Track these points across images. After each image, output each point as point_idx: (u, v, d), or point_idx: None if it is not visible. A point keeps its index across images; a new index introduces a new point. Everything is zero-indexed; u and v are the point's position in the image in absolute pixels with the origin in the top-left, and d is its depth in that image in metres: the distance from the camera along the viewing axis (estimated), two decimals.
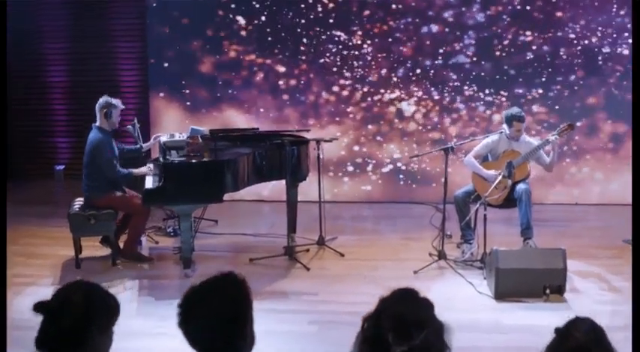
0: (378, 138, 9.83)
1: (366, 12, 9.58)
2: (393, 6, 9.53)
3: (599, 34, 9.32)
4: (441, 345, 2.65)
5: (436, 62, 9.60)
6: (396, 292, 2.79)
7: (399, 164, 9.85)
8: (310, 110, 9.84)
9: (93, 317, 2.66)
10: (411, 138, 9.77)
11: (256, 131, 8.05)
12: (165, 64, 9.90)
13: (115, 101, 7.39)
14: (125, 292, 6.71)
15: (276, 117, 9.85)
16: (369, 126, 9.81)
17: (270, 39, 9.72)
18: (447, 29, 9.54)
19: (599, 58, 9.37)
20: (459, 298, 6.49)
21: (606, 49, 9.33)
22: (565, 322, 2.85)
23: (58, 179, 11.00)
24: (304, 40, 9.69)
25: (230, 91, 9.86)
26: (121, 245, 7.63)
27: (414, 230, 8.52)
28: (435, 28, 9.56)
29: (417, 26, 9.57)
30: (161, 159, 7.35)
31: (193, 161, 7.12)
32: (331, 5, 9.58)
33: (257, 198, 9.68)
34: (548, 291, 6.36)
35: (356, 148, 9.87)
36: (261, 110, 9.87)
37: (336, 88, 9.78)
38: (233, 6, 9.68)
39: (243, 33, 9.75)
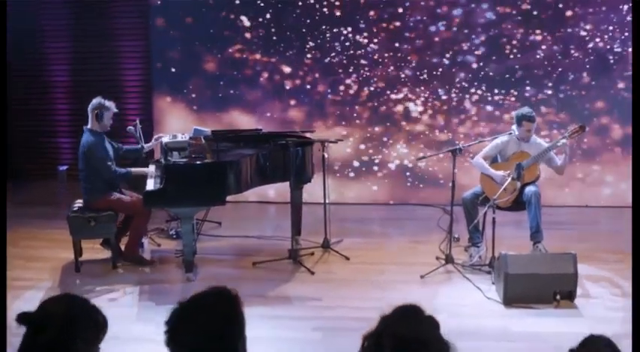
0: (385, 138, 9.68)
1: (372, 12, 9.42)
2: (401, 4, 9.37)
3: (610, 34, 9.15)
4: None
5: (444, 61, 9.44)
6: (399, 309, 2.63)
7: (405, 165, 9.69)
8: (316, 110, 9.70)
9: (76, 332, 2.53)
10: (418, 139, 9.62)
11: (259, 132, 7.91)
12: (168, 64, 9.76)
13: (109, 103, 7.25)
14: (125, 296, 6.60)
15: (281, 117, 9.71)
16: (376, 127, 9.67)
17: (274, 38, 9.58)
18: (455, 28, 9.38)
19: (610, 57, 9.21)
20: (467, 304, 6.35)
21: (617, 49, 9.16)
22: (579, 342, 2.69)
23: (61, 180, 10.88)
24: (310, 39, 9.55)
25: (234, 91, 9.72)
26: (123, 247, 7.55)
27: (421, 232, 8.38)
28: (443, 27, 9.39)
29: (425, 25, 9.41)
30: (162, 160, 7.20)
31: (195, 162, 6.97)
32: (337, 3, 9.43)
33: (262, 200, 9.54)
34: (558, 297, 6.21)
35: (362, 149, 9.71)
36: (266, 110, 9.73)
37: (342, 88, 9.63)
38: (237, 2, 9.54)
39: (248, 32, 9.61)
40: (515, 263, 6.26)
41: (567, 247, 7.11)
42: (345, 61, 9.55)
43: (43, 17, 10.62)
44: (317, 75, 9.62)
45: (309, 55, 9.59)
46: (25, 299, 6.49)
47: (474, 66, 9.42)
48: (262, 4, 9.50)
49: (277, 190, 9.20)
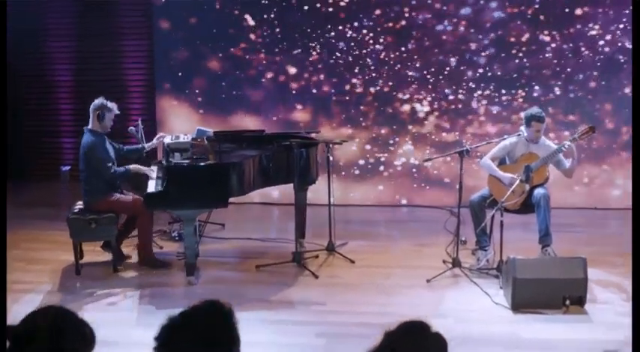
0: (391, 139, 9.55)
1: (379, 10, 9.29)
2: (407, 3, 9.24)
3: (620, 33, 9.00)
4: None
5: (451, 61, 9.30)
6: (404, 325, 2.49)
7: (411, 166, 9.56)
8: (321, 111, 9.57)
9: (63, 345, 2.39)
10: (424, 139, 9.49)
11: (262, 133, 7.78)
12: (172, 63, 9.65)
13: (111, 104, 7.15)
14: (126, 300, 6.49)
15: (286, 118, 9.60)
16: (382, 127, 9.53)
17: (279, 37, 9.47)
18: (462, 28, 9.24)
19: (620, 57, 9.06)
20: (474, 309, 6.22)
21: (628, 47, 9.00)
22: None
23: (64, 180, 10.81)
24: (315, 39, 9.42)
25: (238, 91, 9.60)
26: (124, 250, 7.48)
27: (427, 235, 8.25)
28: (450, 26, 9.26)
29: (432, 24, 9.28)
30: (164, 161, 7.08)
31: (197, 164, 6.84)
32: (342, 4, 9.30)
33: (266, 201, 9.42)
34: (567, 302, 6.07)
35: (368, 150, 9.59)
36: (270, 110, 9.63)
37: (347, 88, 9.50)
38: (242, 1, 9.43)
39: (252, 32, 9.49)
40: (523, 267, 6.12)
41: (575, 250, 7.02)
42: (350, 61, 9.42)
43: (46, 16, 10.55)
44: (322, 75, 9.50)
45: (313, 53, 9.46)
46: (24, 303, 6.37)
47: (482, 66, 9.28)
48: (267, 2, 9.38)
49: (281, 191, 9.07)
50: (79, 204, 7.25)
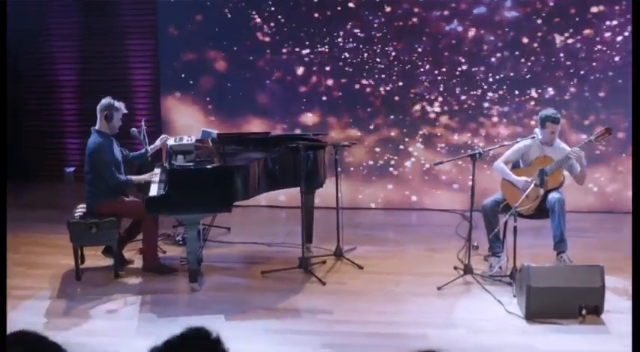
0: (401, 141, 9.34)
1: (389, 8, 9.08)
2: (417, 2, 9.03)
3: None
4: None
5: (463, 61, 9.08)
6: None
7: (422, 168, 9.35)
8: (329, 112, 9.36)
9: None
10: (435, 141, 9.28)
11: (268, 135, 7.58)
12: (177, 63, 9.47)
13: (118, 104, 6.98)
14: (126, 307, 6.30)
15: (294, 119, 9.40)
16: (392, 129, 9.32)
17: (286, 37, 9.27)
18: (475, 27, 9.02)
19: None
20: (487, 318, 6.01)
21: None
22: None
23: (68, 182, 10.68)
24: (323, 38, 9.21)
25: (244, 91, 9.41)
26: (127, 254, 7.32)
27: (438, 240, 8.05)
28: (462, 25, 9.04)
29: (444, 23, 9.06)
30: (166, 164, 6.89)
31: (200, 167, 6.64)
32: (351, 5, 9.09)
33: (273, 204, 9.22)
34: (584, 312, 5.86)
35: (377, 152, 9.38)
36: (277, 112, 9.43)
37: (356, 88, 9.28)
38: None
39: (259, 31, 9.29)
40: (538, 275, 5.91)
41: (589, 256, 6.89)
42: (359, 61, 9.21)
43: (49, 15, 10.41)
44: (330, 75, 9.29)
45: (321, 54, 9.24)
46: (22, 310, 6.25)
47: (494, 66, 9.05)
48: (274, 1, 9.19)
49: (288, 194, 8.86)
50: (81, 208, 7.08)
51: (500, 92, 9.10)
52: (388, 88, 9.25)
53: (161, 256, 7.34)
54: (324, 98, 9.35)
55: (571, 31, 8.90)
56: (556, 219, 6.77)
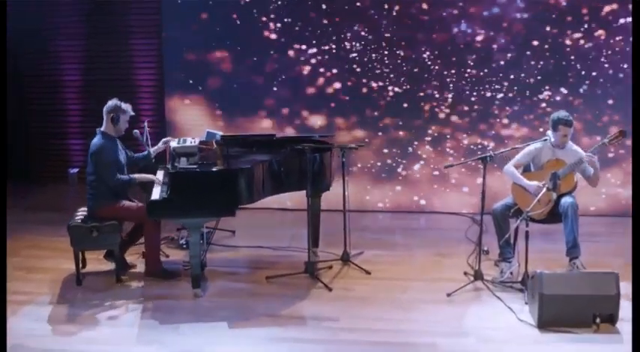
0: (409, 142, 9.17)
1: (397, 6, 8.91)
2: (427, 2, 8.88)
3: None
4: None
5: (473, 61, 8.91)
6: None
7: (431, 170, 9.17)
8: (336, 113, 9.20)
9: None
10: (444, 143, 9.11)
11: (273, 136, 7.42)
12: (182, 63, 9.33)
13: (125, 106, 6.84)
14: (127, 314, 6.14)
15: (300, 120, 9.24)
16: (400, 131, 9.15)
17: (293, 36, 9.11)
18: (485, 27, 8.85)
19: None
20: (498, 327, 5.84)
21: None
22: None
23: (72, 183, 10.58)
24: (330, 38, 9.05)
25: (250, 91, 9.26)
26: (129, 259, 7.19)
27: (447, 244, 7.89)
28: (472, 25, 8.86)
29: (453, 23, 8.89)
30: (169, 167, 6.73)
31: (202, 169, 6.48)
32: (358, 4, 8.93)
33: (279, 207, 9.06)
34: (598, 320, 5.71)
35: (385, 154, 9.21)
36: (284, 112, 9.27)
37: (364, 90, 9.12)
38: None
39: (265, 30, 9.14)
40: (551, 282, 5.74)
41: (602, 261, 6.75)
42: (366, 61, 9.04)
43: (53, 15, 10.31)
44: (337, 76, 9.13)
45: (328, 55, 9.09)
46: (21, 316, 6.11)
47: (504, 66, 8.87)
48: (279, 1, 9.04)
49: (294, 196, 8.70)
50: (82, 211, 6.95)
51: (511, 94, 8.93)
52: (397, 89, 9.08)
53: (164, 260, 7.18)
54: (331, 99, 9.18)
55: (583, 31, 8.72)
56: (569, 224, 6.60)
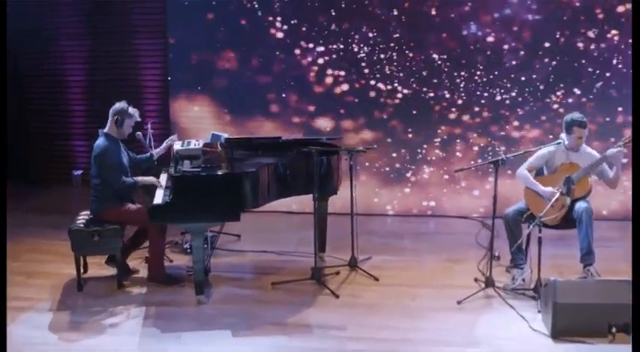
0: (418, 145, 9.00)
1: (406, 4, 8.74)
2: (437, 1, 8.71)
3: None
4: None
5: (484, 63, 8.74)
6: None
7: (441, 173, 9.01)
8: (344, 115, 9.04)
9: None
10: (454, 145, 8.93)
11: (279, 139, 7.26)
12: (187, 63, 9.18)
13: (132, 110, 6.73)
14: (128, 321, 6.01)
15: (307, 123, 9.09)
16: (409, 132, 8.99)
17: (301, 36, 8.95)
18: (496, 27, 8.67)
19: None
20: (510, 336, 5.69)
21: None
22: None
23: (76, 185, 10.42)
24: (337, 39, 8.89)
25: (256, 92, 9.11)
26: (132, 263, 7.03)
27: (458, 249, 7.73)
28: (483, 26, 8.69)
29: (464, 24, 8.72)
30: (172, 170, 6.58)
31: (206, 173, 6.33)
32: (367, 2, 8.77)
33: (286, 210, 8.90)
34: (614, 330, 5.56)
35: (394, 157, 9.04)
36: (291, 114, 9.11)
37: (372, 94, 8.95)
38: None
39: (272, 30, 8.99)
40: (565, 291, 5.59)
41: (616, 268, 6.61)
42: (374, 61, 8.88)
43: (57, 14, 10.15)
44: (345, 78, 8.97)
45: (336, 55, 8.93)
46: (20, 323, 5.99)
47: (516, 68, 8.70)
48: (287, 1, 8.90)
49: (301, 199, 8.55)
50: (84, 214, 6.82)
51: (522, 95, 8.75)
52: (405, 92, 8.91)
53: (167, 265, 7.03)
54: (339, 101, 9.02)
55: (597, 30, 8.54)
56: (583, 230, 6.43)
